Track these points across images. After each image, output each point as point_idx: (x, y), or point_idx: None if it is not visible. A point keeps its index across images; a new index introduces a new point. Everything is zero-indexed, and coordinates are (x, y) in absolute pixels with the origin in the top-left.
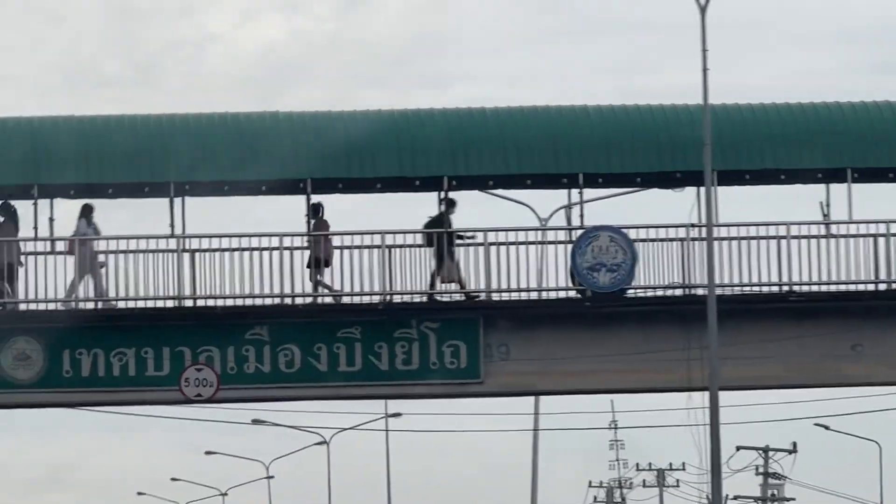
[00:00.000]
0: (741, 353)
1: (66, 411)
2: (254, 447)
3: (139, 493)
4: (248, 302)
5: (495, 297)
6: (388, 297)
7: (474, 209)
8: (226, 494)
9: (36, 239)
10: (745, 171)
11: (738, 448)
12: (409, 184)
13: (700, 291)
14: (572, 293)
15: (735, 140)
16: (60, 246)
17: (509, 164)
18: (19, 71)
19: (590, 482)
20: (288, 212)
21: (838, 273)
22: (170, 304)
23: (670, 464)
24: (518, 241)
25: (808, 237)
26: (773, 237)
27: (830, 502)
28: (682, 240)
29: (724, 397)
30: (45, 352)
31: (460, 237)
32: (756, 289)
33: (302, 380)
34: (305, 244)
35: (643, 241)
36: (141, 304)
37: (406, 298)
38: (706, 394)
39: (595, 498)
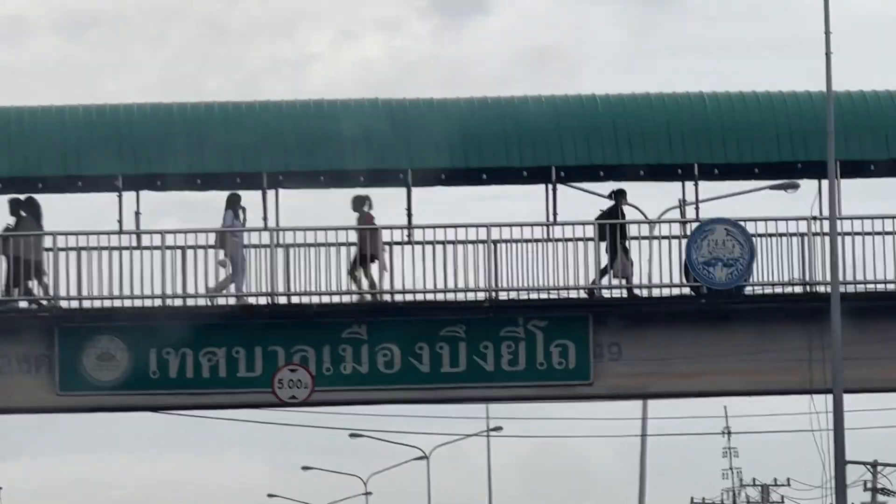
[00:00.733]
0: (866, 354)
1: (152, 419)
2: (351, 462)
3: None
4: (346, 299)
5: (605, 293)
6: (493, 294)
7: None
8: None
9: (120, 232)
10: (869, 161)
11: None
12: (516, 174)
13: (822, 288)
14: (686, 290)
15: (859, 129)
16: (146, 239)
17: (621, 154)
18: (120, 92)
19: (692, 499)
20: (385, 205)
21: None
22: (262, 300)
23: (775, 479)
24: (629, 235)
25: None
26: None
27: None
28: (802, 235)
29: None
30: (131, 351)
31: None
32: (881, 286)
33: (402, 381)
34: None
35: (761, 235)
36: (232, 301)
37: (512, 295)
38: (828, 397)
39: None
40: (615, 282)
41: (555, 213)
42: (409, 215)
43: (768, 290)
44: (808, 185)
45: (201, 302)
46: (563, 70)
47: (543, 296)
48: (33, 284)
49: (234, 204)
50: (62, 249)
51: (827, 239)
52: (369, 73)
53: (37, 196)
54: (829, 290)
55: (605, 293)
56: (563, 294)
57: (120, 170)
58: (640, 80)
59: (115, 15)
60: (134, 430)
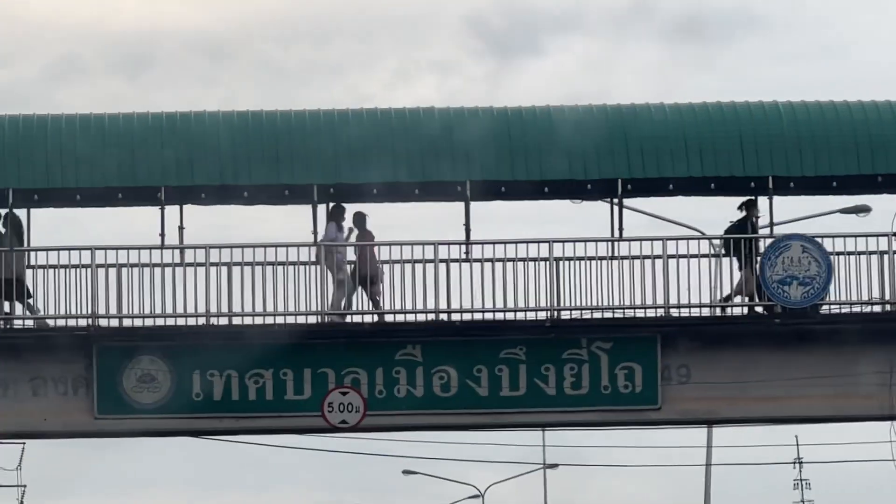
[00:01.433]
0: None
1: (192, 445)
2: (403, 501)
3: None
4: (400, 318)
5: (674, 313)
6: (555, 314)
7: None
8: None
9: (162, 247)
10: None
11: None
12: (580, 188)
13: None
14: (760, 309)
15: None
16: (189, 255)
17: (691, 166)
18: None
19: None
20: (441, 219)
21: None
22: (311, 320)
23: None
24: (700, 253)
25: None
26: None
27: None
28: (883, 253)
29: None
30: (173, 373)
31: None
32: None
33: (459, 406)
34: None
35: (839, 253)
36: (280, 320)
37: (575, 315)
38: None
39: None
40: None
41: (620, 229)
42: (468, 230)
43: (846, 310)
44: (887, 201)
45: (247, 321)
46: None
47: (608, 315)
48: (13, 305)
49: (337, 215)
50: (101, 266)
51: None
52: None
53: (76, 209)
54: None
55: (674, 312)
56: (630, 313)
57: (162, 181)
58: (710, 89)
59: (171, 56)
60: (173, 459)
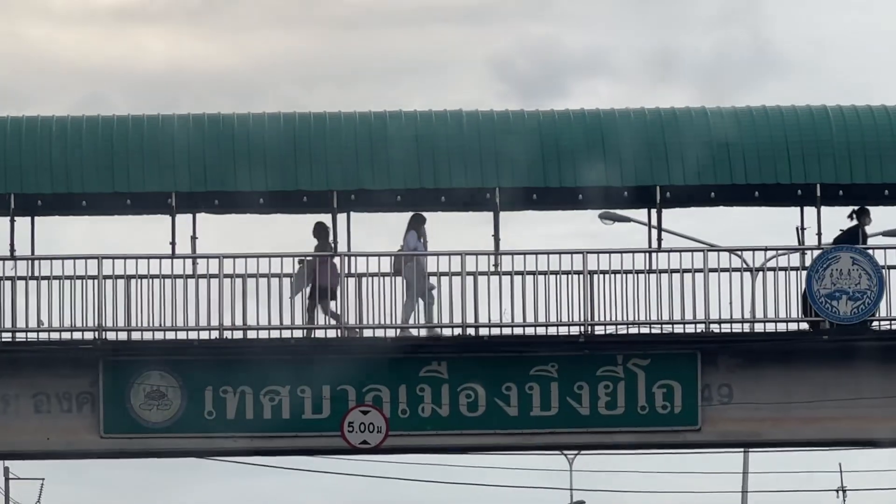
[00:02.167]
0: None
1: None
2: None
3: None
4: (423, 332)
5: (715, 328)
6: (588, 329)
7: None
8: None
9: (173, 256)
10: None
11: None
12: (616, 196)
13: None
14: (805, 325)
15: None
16: (202, 266)
17: (734, 173)
18: None
19: None
20: (467, 230)
21: None
22: (331, 334)
23: None
24: (743, 267)
25: None
26: None
27: None
28: None
29: None
30: (184, 389)
31: None
32: None
33: (487, 426)
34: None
35: (892, 268)
36: (298, 334)
37: (610, 330)
38: None
39: None
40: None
41: (659, 239)
42: (497, 240)
43: None
44: None
45: (263, 335)
46: None
47: (645, 330)
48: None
49: (417, 224)
50: (108, 277)
51: None
52: None
53: (81, 217)
54: None
55: (715, 328)
56: (668, 328)
57: (173, 187)
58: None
59: (196, 96)
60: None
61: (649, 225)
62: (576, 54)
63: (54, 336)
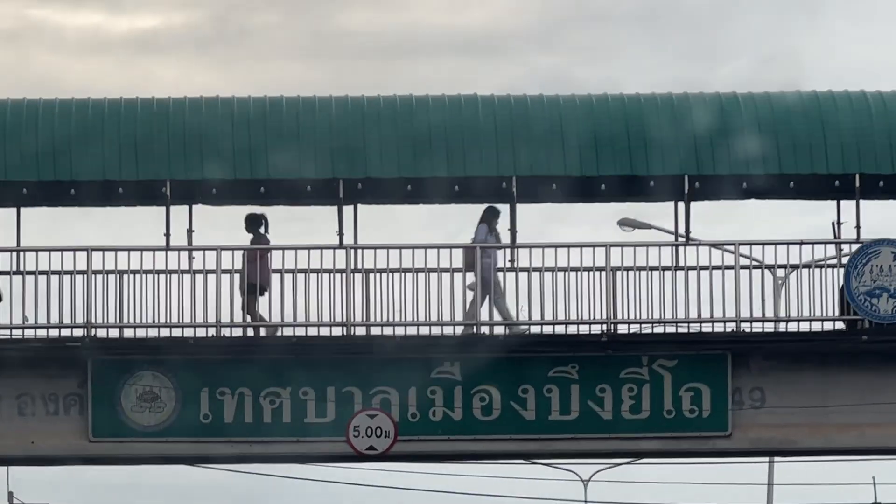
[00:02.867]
0: None
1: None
2: None
3: None
4: (435, 331)
5: (746, 328)
6: (611, 327)
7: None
8: None
9: (167, 249)
10: None
11: None
12: (642, 185)
13: None
14: (844, 324)
15: None
16: (198, 259)
17: (767, 163)
18: None
19: None
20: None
21: None
22: (336, 331)
23: None
24: (777, 262)
25: None
26: None
27: None
28: None
29: None
30: (178, 391)
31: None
32: None
33: (502, 430)
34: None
35: None
36: (300, 331)
37: (634, 329)
38: None
39: None
40: None
41: (687, 232)
42: (514, 233)
43: None
44: None
45: (263, 332)
46: None
47: (672, 329)
48: None
49: (490, 217)
50: (98, 272)
51: None
52: None
53: (69, 208)
54: None
55: (746, 327)
56: (696, 328)
57: (168, 174)
58: (786, 76)
59: None
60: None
61: (675, 227)
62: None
63: (40, 333)
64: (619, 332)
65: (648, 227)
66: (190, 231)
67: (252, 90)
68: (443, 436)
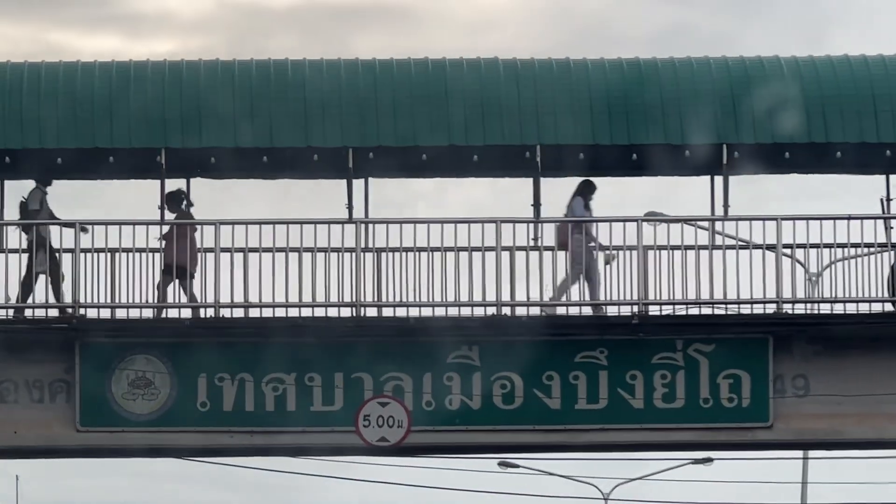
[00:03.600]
0: None
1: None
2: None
3: None
4: (452, 312)
5: (788, 309)
6: (643, 308)
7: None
8: None
9: (162, 223)
10: None
11: None
12: (677, 155)
13: None
14: (893, 306)
15: None
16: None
17: (812, 130)
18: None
19: None
20: (505, 197)
21: None
22: (345, 312)
23: None
24: (822, 242)
25: None
26: None
27: None
28: None
29: None
30: (173, 376)
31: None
32: None
33: (524, 421)
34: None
35: None
36: (306, 312)
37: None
38: None
39: None
40: None
41: (725, 206)
42: (537, 206)
43: None
44: None
45: (266, 313)
46: None
47: (708, 311)
48: None
49: (586, 191)
50: (86, 251)
51: None
52: None
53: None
54: None
55: (789, 308)
56: (735, 310)
57: (163, 142)
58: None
59: None
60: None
61: (712, 201)
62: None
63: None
64: (652, 314)
65: (677, 220)
66: (188, 205)
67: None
68: (460, 426)
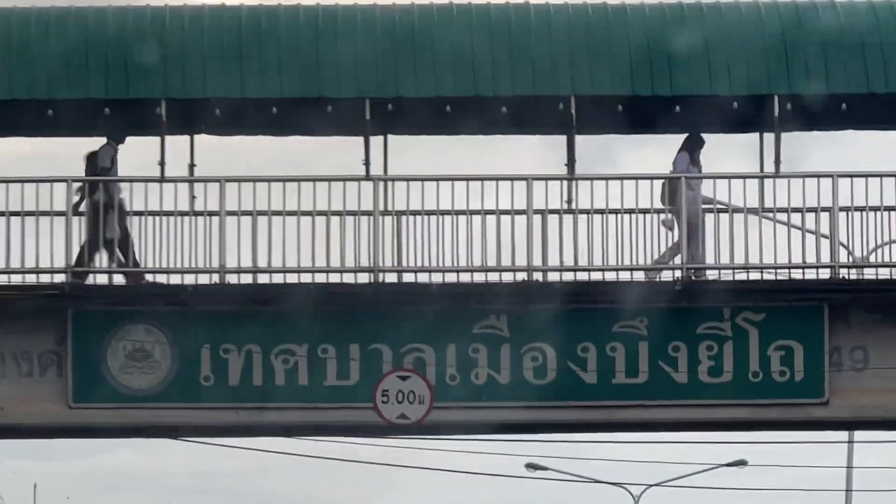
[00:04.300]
0: None
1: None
2: None
3: None
4: (478, 278)
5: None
6: (687, 273)
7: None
8: None
9: (162, 180)
10: None
11: None
12: (724, 107)
13: None
14: None
15: None
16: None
17: (871, 80)
18: None
19: None
20: (538, 153)
21: None
22: (362, 278)
23: None
24: (882, 203)
25: None
26: None
27: None
28: None
29: None
30: (174, 347)
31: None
32: None
33: (557, 396)
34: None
35: None
36: (319, 277)
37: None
38: None
39: None
40: None
41: (777, 163)
42: (571, 162)
43: None
44: None
45: (277, 279)
46: None
47: (758, 276)
48: None
49: (693, 146)
50: (80, 214)
51: None
52: None
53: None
54: None
55: (844, 273)
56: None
57: (163, 93)
58: None
59: None
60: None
61: (761, 157)
62: None
63: (13, 280)
64: (697, 279)
65: (723, 177)
66: (192, 165)
67: None
68: (487, 402)
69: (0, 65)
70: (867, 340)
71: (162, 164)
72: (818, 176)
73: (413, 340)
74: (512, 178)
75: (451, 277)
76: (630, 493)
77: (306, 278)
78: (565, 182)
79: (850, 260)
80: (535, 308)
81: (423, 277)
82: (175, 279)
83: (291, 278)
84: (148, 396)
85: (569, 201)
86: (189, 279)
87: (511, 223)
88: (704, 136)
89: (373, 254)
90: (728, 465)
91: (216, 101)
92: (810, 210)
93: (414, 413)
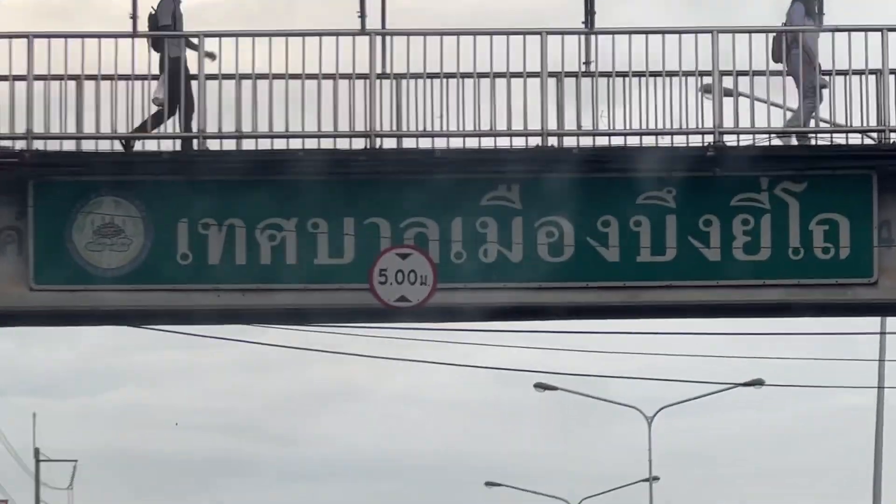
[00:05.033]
0: None
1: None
2: None
3: None
4: (486, 143)
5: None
6: (719, 137)
7: None
8: None
9: (134, 35)
10: None
11: None
12: None
13: None
14: None
15: None
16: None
17: None
18: None
19: None
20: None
21: None
22: (357, 143)
23: None
24: None
25: None
26: None
27: None
28: None
29: None
30: (148, 222)
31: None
32: None
33: (574, 276)
34: None
35: None
36: (310, 143)
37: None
38: None
39: None
40: None
41: (820, 14)
42: (591, 18)
43: None
44: None
45: (263, 144)
46: None
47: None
48: None
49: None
50: (40, 78)
51: None
52: None
53: None
54: None
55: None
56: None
57: None
58: None
59: None
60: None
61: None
62: None
63: None
64: (730, 144)
65: (743, 95)
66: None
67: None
68: (497, 282)
69: None
70: None
71: (134, 17)
72: (865, 30)
73: (414, 214)
74: (524, 33)
75: (456, 143)
76: (643, 413)
77: (295, 144)
78: (583, 37)
79: None
80: (550, 177)
81: (425, 143)
82: (151, 146)
83: (279, 144)
84: (118, 277)
85: (587, 61)
86: (165, 146)
87: (523, 85)
88: None
89: (369, 117)
90: (745, 384)
91: None
92: (856, 72)
93: (415, 294)
